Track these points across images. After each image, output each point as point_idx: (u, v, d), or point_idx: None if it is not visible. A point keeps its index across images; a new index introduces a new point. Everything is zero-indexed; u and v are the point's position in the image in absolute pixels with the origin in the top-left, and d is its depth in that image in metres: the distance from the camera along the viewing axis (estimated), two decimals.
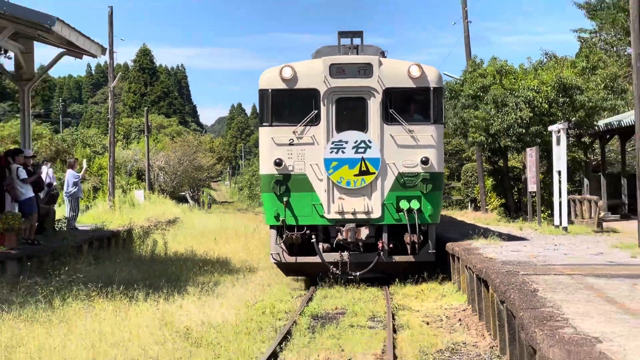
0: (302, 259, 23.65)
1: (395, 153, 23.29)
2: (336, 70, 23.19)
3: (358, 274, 23.17)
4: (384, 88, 23.23)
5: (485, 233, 25.79)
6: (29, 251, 23.82)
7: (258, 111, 24.81)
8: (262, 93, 23.62)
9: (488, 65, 46.03)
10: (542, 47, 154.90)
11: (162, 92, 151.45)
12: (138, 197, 62.83)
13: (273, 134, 23.45)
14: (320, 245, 23.44)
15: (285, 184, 23.11)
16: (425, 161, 23.02)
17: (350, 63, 23.67)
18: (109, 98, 62.28)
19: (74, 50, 29.11)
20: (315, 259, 23.33)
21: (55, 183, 36.54)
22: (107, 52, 49.43)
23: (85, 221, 39.90)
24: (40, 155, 58.68)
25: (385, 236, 23.39)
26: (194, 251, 33.28)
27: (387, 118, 23.40)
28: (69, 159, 51.61)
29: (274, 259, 23.80)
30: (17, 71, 31.24)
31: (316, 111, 23.25)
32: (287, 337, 16.07)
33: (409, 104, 24.30)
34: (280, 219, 23.04)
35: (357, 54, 25.00)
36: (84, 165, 41.34)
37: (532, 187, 37.18)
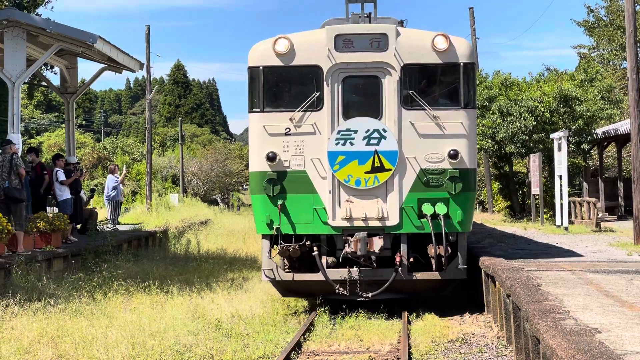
0: (300, 277, 17.36)
1: (416, 145, 16.90)
2: (343, 43, 16.98)
3: (370, 295, 16.96)
4: (402, 64, 16.89)
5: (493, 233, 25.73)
6: (73, 249, 23.91)
7: (247, 94, 17.51)
8: (252, 71, 17.32)
9: (493, 78, 46.48)
10: (543, 62, 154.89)
11: (194, 103, 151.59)
12: (173, 200, 63.00)
13: (265, 122, 17.18)
14: (324, 259, 17.11)
15: (280, 183, 16.95)
16: (453, 155, 16.67)
17: (361, 33, 17.18)
18: (146, 109, 62.54)
19: (114, 66, 29.20)
20: (318, 277, 17.05)
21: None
22: (145, 67, 49.52)
23: (125, 222, 39.98)
24: (84, 162, 58.89)
25: (404, 248, 16.90)
26: (224, 250, 33.31)
27: (407, 101, 17.05)
28: (109, 165, 51.89)
29: (267, 276, 17.44)
30: (62, 85, 31.44)
31: (318, 93, 16.95)
32: (310, 328, 16.07)
33: (434, 83, 17.87)
34: (274, 226, 16.86)
35: (370, 23, 18.34)
36: (124, 170, 41.61)
37: (535, 190, 37.32)
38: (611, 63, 60.83)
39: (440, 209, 16.65)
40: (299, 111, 17.04)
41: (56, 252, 22.55)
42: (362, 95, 17.77)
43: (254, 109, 17.47)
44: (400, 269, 16.83)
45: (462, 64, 17.12)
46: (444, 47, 16.93)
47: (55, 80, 36.49)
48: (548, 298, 11.71)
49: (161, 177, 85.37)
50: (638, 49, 26.26)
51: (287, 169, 17.07)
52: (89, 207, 31.25)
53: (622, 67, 56.54)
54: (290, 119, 17.07)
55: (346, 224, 16.96)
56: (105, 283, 19.60)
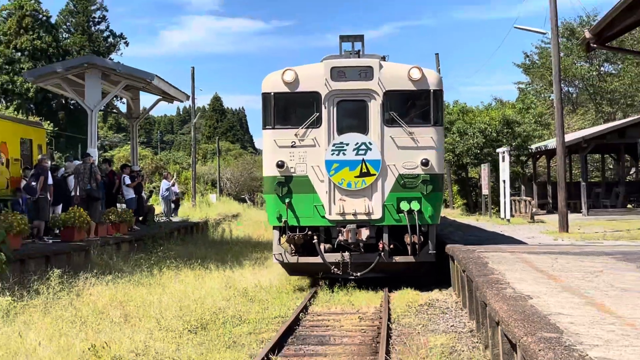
0: (304, 259, 17.25)
1: (395, 155, 16.80)
2: (337, 74, 16.95)
3: (359, 274, 16.81)
4: (384, 90, 16.85)
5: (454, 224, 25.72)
6: (136, 236, 23.99)
7: (261, 115, 17.60)
8: (265, 96, 17.26)
9: (453, 106, 47.01)
10: (492, 94, 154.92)
11: (228, 126, 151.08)
12: (212, 199, 63.14)
13: (275, 137, 17.08)
14: (322, 245, 17.15)
15: (288, 185, 16.93)
16: (425, 163, 16.57)
17: (351, 66, 17.16)
18: (192, 130, 62.59)
19: (167, 97, 29.24)
20: (317, 260, 16.94)
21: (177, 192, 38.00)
22: (190, 98, 49.62)
23: (179, 215, 40.04)
24: (145, 170, 58.94)
25: (385, 237, 16.77)
26: (250, 236, 33.36)
27: (388, 120, 16.89)
28: (164, 172, 52.04)
29: (277, 259, 17.40)
30: (128, 111, 31.50)
31: (318, 114, 16.90)
32: (314, 296, 16.12)
33: (409, 106, 17.55)
34: (283, 219, 16.78)
35: (359, 57, 18.36)
36: (175, 176, 41.83)
37: (485, 191, 37.42)
38: (542, 95, 60.90)
39: (415, 205, 16.45)
40: (302, 128, 16.83)
41: (123, 238, 22.69)
42: (352, 116, 17.31)
43: (267, 127, 17.19)
44: (382, 253, 16.59)
45: (432, 90, 16.89)
46: (418, 77, 16.72)
47: (123, 108, 36.65)
48: (493, 272, 11.72)
49: (203, 181, 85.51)
50: (562, 85, 26.29)
51: (293, 174, 16.87)
52: (148, 204, 31.33)
53: (550, 98, 56.51)
54: (295, 134, 16.84)
55: (340, 217, 16.67)
56: (160, 261, 19.65)
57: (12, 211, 18.44)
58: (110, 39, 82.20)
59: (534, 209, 36.45)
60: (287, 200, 16.74)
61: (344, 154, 16.68)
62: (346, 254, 16.77)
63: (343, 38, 18.90)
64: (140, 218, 28.14)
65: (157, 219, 32.82)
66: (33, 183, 20.28)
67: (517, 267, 12.65)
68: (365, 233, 16.50)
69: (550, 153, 42.73)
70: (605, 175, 50.04)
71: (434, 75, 17.26)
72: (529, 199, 37.99)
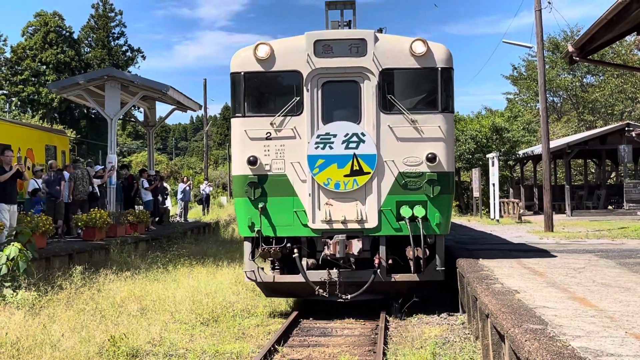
0: (281, 278, 13.03)
1: (394, 148, 12.48)
2: (322, 48, 12.55)
3: (349, 296, 12.48)
4: (380, 69, 12.46)
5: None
6: (152, 235, 23.99)
7: (230, 100, 13.31)
8: (234, 77, 12.83)
9: None
10: (482, 103, 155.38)
11: None
12: (222, 201, 63.07)
13: (246, 126, 12.72)
14: (304, 261, 12.76)
15: (261, 186, 12.57)
16: (431, 158, 12.30)
17: (340, 39, 12.73)
18: (204, 137, 62.75)
19: (181, 107, 29.23)
20: (298, 278, 12.66)
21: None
22: (203, 108, 49.73)
23: (189, 216, 40.05)
24: (161, 174, 59.15)
25: (382, 250, 12.52)
26: None
27: (385, 105, 12.51)
28: (179, 176, 52.28)
29: (248, 277, 13.04)
30: (145, 120, 31.56)
31: (298, 98, 12.54)
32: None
33: (412, 88, 13.18)
34: (255, 229, 12.55)
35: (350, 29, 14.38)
36: (190, 179, 42.17)
37: (476, 193, 37.46)
38: (529, 105, 60.98)
39: (419, 211, 12.28)
40: (279, 116, 12.52)
41: (141, 237, 22.69)
42: (341, 100, 12.89)
43: (236, 114, 12.90)
44: (379, 270, 12.40)
45: (440, 68, 12.54)
46: (422, 51, 12.44)
47: (140, 117, 36.70)
48: (483, 269, 11.71)
49: (215, 185, 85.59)
50: (547, 95, 26.30)
51: (268, 173, 12.60)
52: (164, 205, 31.43)
53: (536, 107, 56.57)
54: (271, 124, 12.56)
55: (326, 226, 12.45)
56: (175, 259, 19.66)
57: (32, 212, 18.51)
58: (129, 53, 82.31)
59: (522, 210, 36.48)
60: (260, 205, 12.52)
61: (330, 147, 12.49)
62: (334, 271, 12.52)
63: (330, 5, 14.62)
64: (157, 219, 28.22)
65: (172, 219, 33.00)
66: (56, 187, 20.41)
67: (505, 264, 12.63)
68: (357, 246, 12.25)
69: (536, 158, 42.78)
70: (587, 179, 50.01)
71: (443, 49, 12.74)
72: (516, 200, 37.99)
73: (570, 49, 13.93)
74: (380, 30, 13.36)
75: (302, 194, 12.51)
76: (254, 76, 12.73)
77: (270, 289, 13.28)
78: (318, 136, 12.49)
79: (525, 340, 6.34)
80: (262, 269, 12.89)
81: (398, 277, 12.49)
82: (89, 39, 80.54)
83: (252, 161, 12.50)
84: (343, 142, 12.43)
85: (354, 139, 12.47)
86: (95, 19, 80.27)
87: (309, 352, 10.62)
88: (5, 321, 10.60)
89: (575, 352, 5.84)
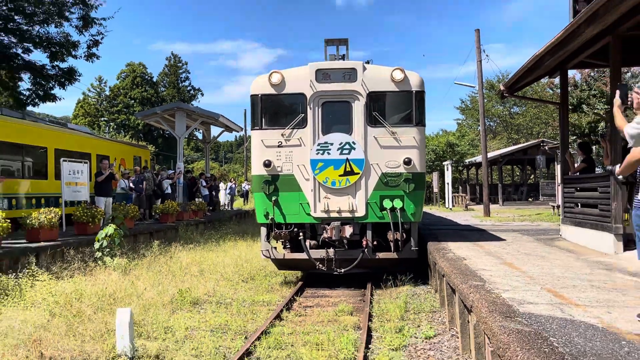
0: (290, 256, 12.32)
1: (378, 154, 11.87)
2: (322, 76, 12.05)
3: (343, 270, 11.80)
4: (367, 92, 11.90)
5: None
6: (208, 219, 23.99)
7: (250, 116, 12.60)
8: (253, 98, 12.14)
9: None
10: (440, 127, 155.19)
11: None
12: None
13: (263, 137, 12.05)
14: (308, 242, 12.14)
15: (274, 183, 11.99)
16: (407, 162, 11.70)
17: (336, 68, 12.12)
18: (244, 150, 62.62)
19: (228, 129, 29.25)
20: (303, 256, 12.02)
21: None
22: (243, 129, 49.77)
23: (234, 206, 40.08)
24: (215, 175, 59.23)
25: (369, 234, 11.87)
26: None
27: (371, 120, 11.87)
28: (227, 178, 52.25)
29: (264, 255, 12.29)
30: (203, 138, 31.50)
31: (303, 114, 11.94)
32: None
33: (392, 107, 12.17)
34: (270, 217, 11.90)
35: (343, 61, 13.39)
36: (234, 180, 42.16)
37: (435, 189, 37.20)
38: (472, 127, 60.83)
39: (397, 203, 11.61)
40: (288, 128, 11.86)
41: (200, 220, 22.68)
42: (336, 116, 12.15)
43: (255, 127, 12.08)
44: (366, 250, 11.74)
45: (414, 91, 11.83)
46: (400, 78, 11.80)
47: (199, 136, 36.72)
48: (440, 242, 11.71)
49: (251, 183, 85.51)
50: (485, 120, 26.20)
51: (280, 173, 11.92)
52: (216, 198, 31.48)
53: (478, 129, 56.46)
54: (282, 135, 11.90)
55: (324, 215, 11.77)
56: (223, 235, 19.67)
57: (124, 203, 18.61)
58: (192, 91, 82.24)
59: (467, 201, 36.38)
60: (274, 198, 11.87)
61: (328, 153, 11.84)
62: (331, 250, 11.91)
63: (328, 42, 13.87)
64: (211, 208, 28.26)
65: (222, 208, 32.99)
66: (140, 185, 20.50)
67: (456, 239, 12.60)
68: (349, 230, 11.66)
69: (478, 165, 42.75)
70: (514, 179, 49.95)
71: (416, 76, 12.10)
72: (464, 195, 37.91)
73: (502, 87, 13.88)
74: (367, 62, 12.67)
75: (306, 190, 11.84)
76: (268, 98, 12.03)
77: (282, 264, 12.51)
78: (318, 144, 11.81)
79: (470, 293, 6.32)
80: (275, 248, 12.11)
81: (381, 255, 11.81)
82: (164, 82, 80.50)
83: (267, 164, 11.86)
84: (338, 149, 11.82)
85: (347, 146, 11.87)
86: (168, 67, 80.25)
87: (317, 300, 10.63)
88: (105, 279, 10.64)
89: (505, 301, 5.82)
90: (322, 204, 11.75)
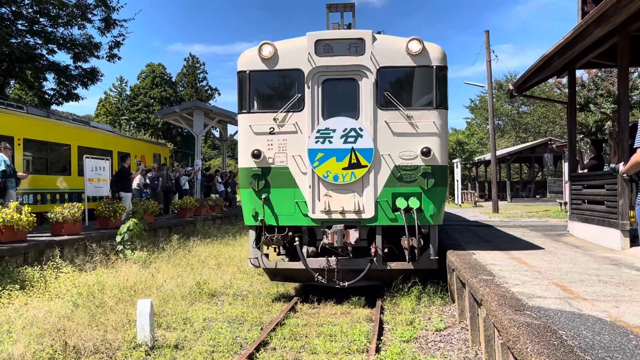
0: (283, 265, 9.86)
1: (391, 143, 9.26)
2: (323, 48, 9.40)
3: (347, 283, 9.38)
4: (378, 67, 9.28)
5: None
6: (225, 214, 24.05)
7: (237, 97, 9.54)
8: (240, 75, 9.57)
9: None
10: (450, 125, 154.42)
11: None
12: None
13: (251, 122, 9.52)
14: (305, 249, 9.60)
15: (265, 178, 9.47)
16: (426, 152, 9.09)
17: (339, 39, 9.41)
18: None
19: None
20: (299, 265, 9.57)
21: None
22: None
23: None
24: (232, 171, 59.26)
25: (378, 239, 9.38)
26: None
27: (382, 102, 9.30)
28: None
29: (252, 263, 9.83)
30: (220, 136, 31.63)
31: (300, 95, 9.39)
32: None
33: (408, 85, 9.51)
34: (259, 218, 9.50)
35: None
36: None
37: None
38: (481, 126, 60.53)
39: (413, 203, 9.17)
40: (282, 112, 9.39)
41: (217, 216, 22.72)
42: (340, 97, 9.53)
43: (242, 110, 9.60)
44: (375, 259, 9.36)
45: (434, 66, 9.25)
46: (417, 50, 9.20)
47: (217, 134, 36.86)
48: (451, 238, 11.65)
49: None
50: (494, 119, 26.04)
51: (271, 165, 9.45)
52: (232, 194, 31.54)
53: (486, 128, 56.18)
54: (274, 119, 9.40)
55: (325, 216, 9.39)
56: (240, 230, 19.72)
57: (143, 198, 18.74)
58: (209, 91, 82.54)
59: (476, 198, 36.19)
60: (264, 196, 9.47)
61: (330, 141, 9.29)
62: (332, 259, 9.46)
63: (331, 7, 11.03)
64: (227, 203, 28.35)
65: (238, 204, 33.04)
66: (155, 182, 20.64)
67: (465, 234, 12.54)
68: (354, 235, 9.16)
69: (487, 162, 42.52)
70: (522, 177, 49.59)
71: (438, 49, 9.40)
72: (473, 192, 37.70)
73: (511, 87, 13.77)
74: (379, 32, 9.81)
75: (303, 186, 9.42)
76: (258, 74, 9.55)
77: (274, 274, 10.12)
78: (318, 131, 9.32)
79: (480, 287, 6.28)
80: (267, 255, 9.95)
81: (393, 265, 9.46)
82: (182, 82, 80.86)
83: (256, 154, 9.40)
84: (342, 136, 9.27)
85: (352, 133, 9.29)
86: (186, 68, 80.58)
87: (330, 293, 10.62)
88: (126, 271, 10.71)
89: (514, 294, 5.78)
90: (322, 203, 9.39)
